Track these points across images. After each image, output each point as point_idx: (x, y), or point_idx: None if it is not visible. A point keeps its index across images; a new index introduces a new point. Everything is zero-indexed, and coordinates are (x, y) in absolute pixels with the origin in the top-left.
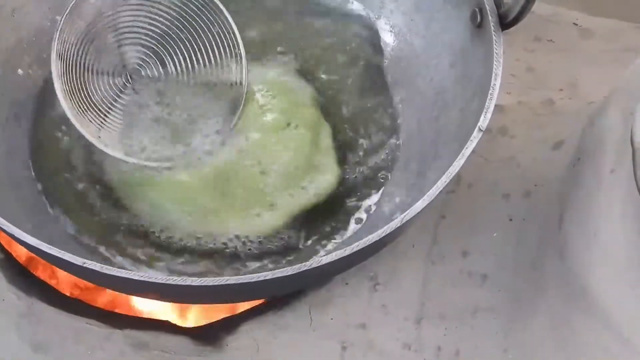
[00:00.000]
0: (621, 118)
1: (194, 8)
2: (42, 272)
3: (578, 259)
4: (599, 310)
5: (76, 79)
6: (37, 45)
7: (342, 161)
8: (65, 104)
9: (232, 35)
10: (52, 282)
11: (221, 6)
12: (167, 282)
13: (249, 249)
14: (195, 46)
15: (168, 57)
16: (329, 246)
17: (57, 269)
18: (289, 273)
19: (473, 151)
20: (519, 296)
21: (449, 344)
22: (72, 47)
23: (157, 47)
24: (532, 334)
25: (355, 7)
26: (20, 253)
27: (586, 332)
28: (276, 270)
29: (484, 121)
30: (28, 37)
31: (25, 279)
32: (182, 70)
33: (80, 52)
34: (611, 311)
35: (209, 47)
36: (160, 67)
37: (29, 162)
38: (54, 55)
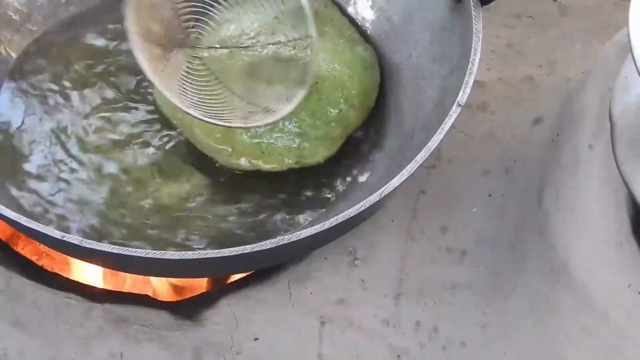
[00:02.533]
0: (599, 94)
1: None
2: (22, 247)
3: (557, 235)
4: (578, 286)
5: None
6: None
7: None
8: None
9: None
10: (33, 258)
11: None
12: (146, 255)
13: None
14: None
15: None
16: (308, 217)
17: (38, 244)
18: (267, 247)
19: (453, 127)
20: (497, 272)
21: (427, 320)
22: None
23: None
24: (511, 310)
25: None
26: (2, 229)
27: (564, 308)
28: (254, 245)
29: (462, 96)
30: None
31: (3, 253)
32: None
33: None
34: (589, 287)
35: None
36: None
37: None
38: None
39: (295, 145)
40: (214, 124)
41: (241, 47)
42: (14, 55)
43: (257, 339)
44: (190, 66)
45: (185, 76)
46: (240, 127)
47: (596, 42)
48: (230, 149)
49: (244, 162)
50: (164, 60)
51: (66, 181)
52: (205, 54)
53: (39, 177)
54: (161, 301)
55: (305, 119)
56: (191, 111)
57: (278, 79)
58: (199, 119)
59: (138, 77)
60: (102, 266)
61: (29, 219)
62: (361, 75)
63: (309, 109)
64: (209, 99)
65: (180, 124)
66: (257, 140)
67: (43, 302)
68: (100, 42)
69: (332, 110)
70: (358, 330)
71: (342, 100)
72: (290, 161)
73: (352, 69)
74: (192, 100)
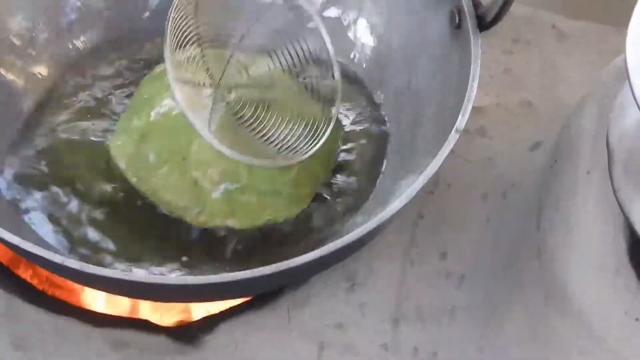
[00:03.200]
0: (596, 120)
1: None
2: (23, 271)
3: (554, 259)
4: (575, 309)
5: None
6: None
7: None
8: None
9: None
10: (34, 282)
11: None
12: (147, 281)
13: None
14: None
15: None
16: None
17: (39, 268)
18: (267, 272)
19: (451, 152)
20: (496, 296)
21: (426, 345)
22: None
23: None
24: (509, 333)
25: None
26: (3, 252)
27: (562, 332)
28: (254, 270)
29: (461, 122)
30: None
31: (5, 277)
32: None
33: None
34: (587, 311)
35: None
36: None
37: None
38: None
39: (266, 203)
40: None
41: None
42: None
43: None
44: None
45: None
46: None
47: (594, 67)
48: (199, 208)
49: (216, 221)
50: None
51: None
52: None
53: None
54: (161, 326)
55: (276, 176)
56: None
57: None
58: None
59: None
60: (103, 291)
61: (30, 243)
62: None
63: (277, 168)
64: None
65: (146, 187)
66: (227, 199)
67: (43, 325)
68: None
69: (302, 167)
70: (357, 355)
71: (310, 158)
72: (262, 219)
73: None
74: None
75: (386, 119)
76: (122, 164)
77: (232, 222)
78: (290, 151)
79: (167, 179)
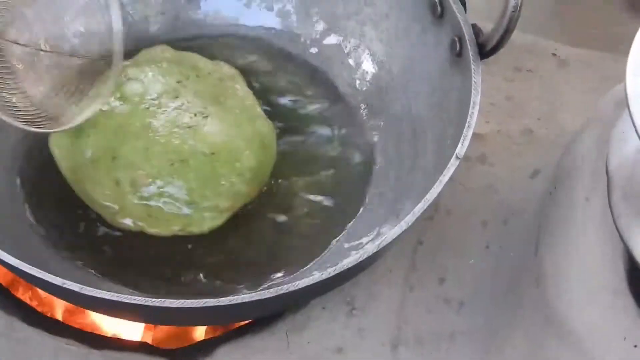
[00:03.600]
0: (596, 147)
1: None
2: (22, 293)
3: (553, 286)
4: (574, 335)
5: None
6: None
7: None
8: None
9: None
10: (33, 304)
11: None
12: (145, 303)
13: None
14: None
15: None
16: None
17: (38, 290)
18: (266, 296)
19: (451, 178)
20: (494, 322)
21: None
22: None
23: None
24: (508, 359)
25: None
26: (3, 274)
27: (561, 357)
28: (253, 293)
29: (461, 149)
30: None
31: (5, 299)
32: None
33: None
34: (586, 337)
35: None
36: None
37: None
38: None
39: (182, 213)
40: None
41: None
42: None
43: None
44: None
45: None
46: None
47: (594, 95)
48: (117, 207)
49: (129, 222)
50: None
51: None
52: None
53: None
54: (160, 348)
55: (196, 188)
56: None
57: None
58: None
59: None
60: (102, 313)
61: (29, 265)
62: (258, 151)
63: (201, 178)
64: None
65: (72, 177)
66: (145, 202)
67: (43, 347)
68: None
69: (224, 182)
70: None
71: (235, 174)
72: (175, 228)
73: (250, 144)
74: None
75: (385, 144)
76: (56, 152)
77: (144, 226)
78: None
79: (93, 175)
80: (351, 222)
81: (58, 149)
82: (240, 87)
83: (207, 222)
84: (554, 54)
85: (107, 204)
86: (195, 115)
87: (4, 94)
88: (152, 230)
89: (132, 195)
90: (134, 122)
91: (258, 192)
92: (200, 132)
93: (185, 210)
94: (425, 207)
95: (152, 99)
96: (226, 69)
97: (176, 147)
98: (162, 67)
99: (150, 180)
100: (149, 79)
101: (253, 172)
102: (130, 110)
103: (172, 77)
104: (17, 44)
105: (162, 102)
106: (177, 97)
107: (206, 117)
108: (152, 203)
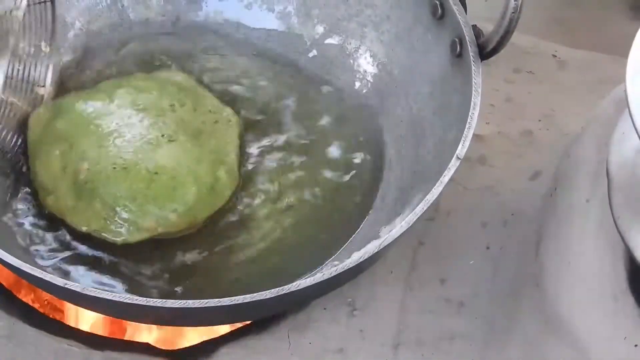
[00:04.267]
0: (596, 148)
1: None
2: (24, 294)
3: (553, 287)
4: (573, 338)
5: None
6: None
7: None
8: None
9: None
10: (35, 305)
11: None
12: (147, 304)
13: None
14: None
15: None
16: None
17: (40, 291)
18: (267, 297)
19: (452, 179)
20: (494, 323)
21: None
22: None
23: None
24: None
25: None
26: (6, 276)
27: (561, 358)
28: (255, 294)
29: (461, 150)
30: None
31: (6, 300)
32: None
33: None
34: (586, 338)
35: None
36: None
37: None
38: None
39: (103, 215)
40: None
41: None
42: None
43: None
44: None
45: None
46: None
47: (594, 97)
48: (56, 194)
49: (53, 204)
50: None
51: None
52: None
53: None
54: (161, 349)
55: (123, 197)
56: None
57: None
58: None
59: None
60: (104, 314)
61: (31, 266)
62: (203, 192)
63: (132, 190)
64: None
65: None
66: (76, 193)
67: (44, 348)
68: None
69: (153, 204)
70: None
71: (169, 201)
72: (93, 227)
73: (198, 182)
74: None
75: (386, 145)
76: (30, 130)
77: (65, 212)
78: None
79: (49, 153)
80: None
81: (32, 128)
82: (231, 137)
83: (123, 234)
84: (554, 56)
85: (51, 190)
86: (162, 136)
87: None
88: (71, 219)
89: (69, 182)
90: (108, 122)
91: (190, 228)
92: (157, 151)
93: (104, 214)
94: (425, 208)
95: (137, 109)
96: (229, 115)
97: (125, 154)
98: (166, 88)
99: (89, 175)
100: (144, 93)
101: (188, 207)
102: (111, 111)
103: (167, 98)
104: None
105: (143, 116)
106: (159, 116)
107: (172, 141)
108: (82, 195)
